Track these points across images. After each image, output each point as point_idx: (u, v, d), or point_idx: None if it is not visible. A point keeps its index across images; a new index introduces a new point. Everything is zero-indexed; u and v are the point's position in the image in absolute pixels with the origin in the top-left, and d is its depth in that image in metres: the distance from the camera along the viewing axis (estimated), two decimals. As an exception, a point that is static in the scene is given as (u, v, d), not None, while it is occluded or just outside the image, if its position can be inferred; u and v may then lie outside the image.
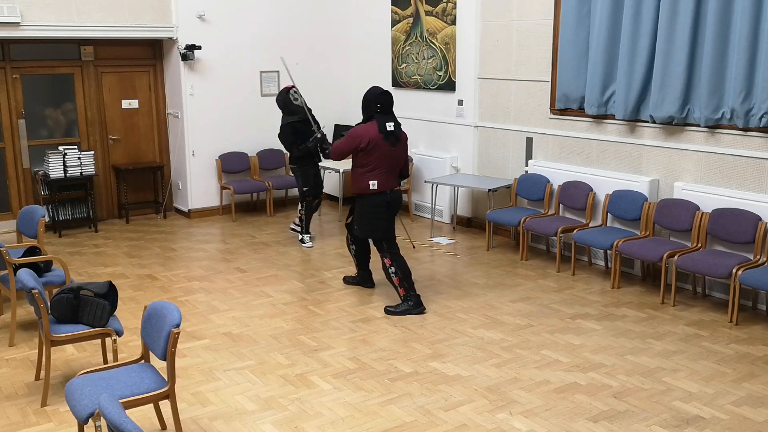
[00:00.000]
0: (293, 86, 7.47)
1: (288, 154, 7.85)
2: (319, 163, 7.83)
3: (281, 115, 7.63)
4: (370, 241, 6.15)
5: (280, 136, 7.60)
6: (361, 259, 6.32)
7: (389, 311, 5.78)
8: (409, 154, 8.94)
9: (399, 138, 5.80)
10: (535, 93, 7.54)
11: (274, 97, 9.44)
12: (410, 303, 5.79)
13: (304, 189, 7.71)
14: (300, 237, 7.87)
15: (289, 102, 7.47)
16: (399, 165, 5.87)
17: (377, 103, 5.76)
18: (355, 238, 6.19)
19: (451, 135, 8.57)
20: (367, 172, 5.72)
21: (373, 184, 5.72)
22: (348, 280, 6.53)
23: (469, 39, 8.17)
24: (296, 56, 9.51)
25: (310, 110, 7.36)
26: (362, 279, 6.40)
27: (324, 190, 9.50)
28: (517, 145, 7.81)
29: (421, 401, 4.37)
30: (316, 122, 7.29)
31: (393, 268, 5.82)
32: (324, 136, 7.21)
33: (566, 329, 5.47)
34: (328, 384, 4.60)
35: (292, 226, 8.09)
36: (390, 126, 5.72)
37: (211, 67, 8.97)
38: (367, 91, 5.88)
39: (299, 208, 7.89)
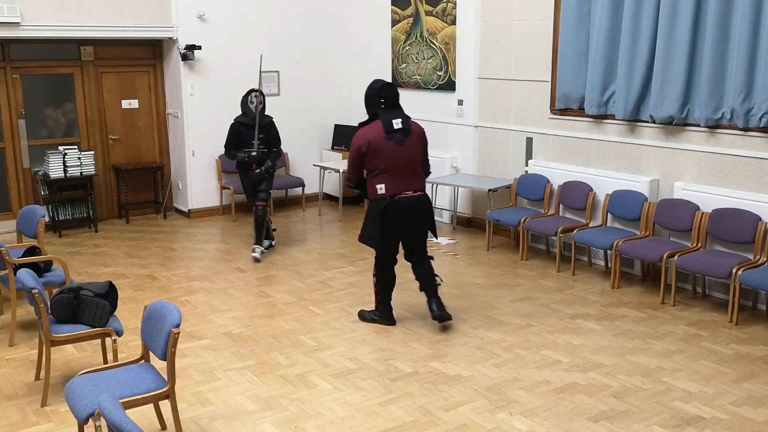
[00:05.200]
0: (260, 90, 7.27)
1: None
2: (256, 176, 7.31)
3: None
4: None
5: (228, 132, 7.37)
6: (424, 288, 5.53)
7: (360, 313, 5.69)
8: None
9: (410, 133, 5.27)
10: (535, 93, 7.54)
11: (275, 97, 9.54)
12: (377, 315, 5.58)
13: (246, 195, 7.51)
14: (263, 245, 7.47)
15: (245, 102, 7.25)
16: (414, 164, 5.29)
17: (380, 98, 5.27)
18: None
19: (451, 135, 8.57)
20: (375, 176, 5.25)
21: (381, 189, 5.22)
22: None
23: (469, 39, 8.17)
24: (296, 56, 9.53)
25: (262, 124, 7.20)
26: (435, 314, 5.50)
27: (324, 191, 9.55)
28: (517, 145, 7.81)
29: (421, 401, 4.37)
30: (270, 144, 7.20)
31: (374, 279, 5.56)
32: (252, 158, 7.05)
33: (566, 329, 5.47)
34: (328, 384, 4.60)
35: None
36: (397, 123, 5.21)
37: (211, 67, 8.97)
38: (368, 87, 5.39)
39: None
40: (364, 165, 5.27)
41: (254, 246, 7.36)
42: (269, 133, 7.33)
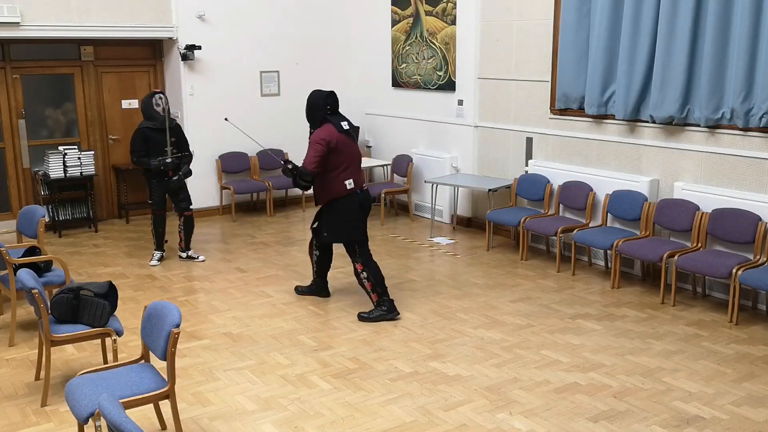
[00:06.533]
0: (160, 91, 6.97)
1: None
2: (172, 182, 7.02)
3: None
4: (333, 247, 6.01)
5: (131, 139, 6.94)
6: (322, 267, 6.08)
7: (362, 317, 5.66)
8: (408, 153, 9.05)
9: (353, 135, 5.73)
10: (535, 93, 7.54)
11: (275, 97, 9.55)
12: (383, 309, 5.64)
13: (149, 201, 7.18)
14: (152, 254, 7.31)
15: (149, 105, 6.82)
16: (361, 161, 5.76)
17: (326, 105, 5.57)
18: (320, 244, 5.96)
19: (451, 135, 8.57)
20: (341, 172, 5.54)
21: (350, 183, 5.57)
22: (300, 290, 6.24)
23: (469, 39, 8.17)
24: (296, 56, 9.52)
25: (170, 127, 6.82)
26: (318, 288, 6.17)
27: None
28: (517, 145, 7.81)
29: (421, 401, 4.37)
30: (181, 148, 6.93)
31: (365, 273, 5.63)
32: (168, 165, 6.74)
33: (566, 329, 5.47)
34: (328, 384, 4.60)
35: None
36: (345, 125, 5.59)
37: (211, 67, 8.97)
38: (312, 96, 5.64)
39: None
40: (329, 163, 5.52)
41: (188, 253, 7.32)
42: (179, 137, 7.00)
